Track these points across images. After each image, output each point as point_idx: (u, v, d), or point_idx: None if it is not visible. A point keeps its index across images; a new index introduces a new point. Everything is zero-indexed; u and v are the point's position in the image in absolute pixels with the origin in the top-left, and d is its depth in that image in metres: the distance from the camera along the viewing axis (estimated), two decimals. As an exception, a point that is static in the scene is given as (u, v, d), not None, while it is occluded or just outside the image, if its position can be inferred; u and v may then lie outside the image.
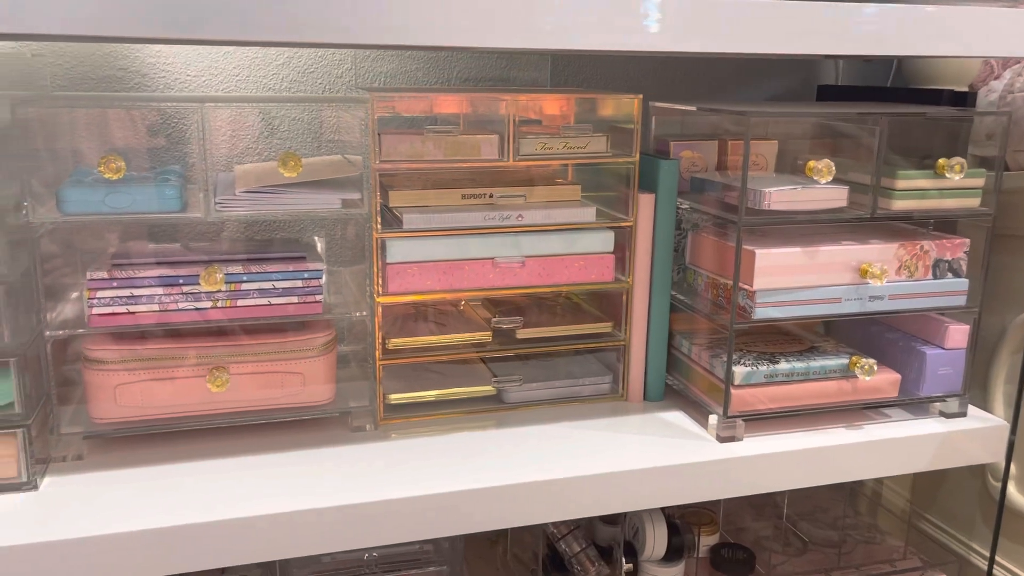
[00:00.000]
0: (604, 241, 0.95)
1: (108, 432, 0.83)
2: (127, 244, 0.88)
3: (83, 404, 0.83)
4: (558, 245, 0.93)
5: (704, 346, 0.96)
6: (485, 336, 0.94)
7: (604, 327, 0.98)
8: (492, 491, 0.79)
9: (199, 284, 0.81)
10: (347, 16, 0.68)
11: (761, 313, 0.88)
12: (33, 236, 0.77)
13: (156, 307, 0.81)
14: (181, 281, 0.82)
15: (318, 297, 0.86)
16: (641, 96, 0.92)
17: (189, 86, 1.04)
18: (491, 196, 0.92)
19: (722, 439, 0.89)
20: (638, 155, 0.92)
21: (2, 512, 0.72)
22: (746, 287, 0.88)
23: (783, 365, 0.91)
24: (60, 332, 0.80)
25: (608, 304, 1.00)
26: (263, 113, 1.05)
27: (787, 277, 0.89)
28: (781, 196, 0.88)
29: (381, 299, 0.88)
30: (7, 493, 0.75)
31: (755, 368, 0.90)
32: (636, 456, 0.85)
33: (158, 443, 0.85)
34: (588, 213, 0.94)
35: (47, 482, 0.77)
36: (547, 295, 1.03)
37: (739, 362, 0.90)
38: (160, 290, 0.81)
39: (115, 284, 0.80)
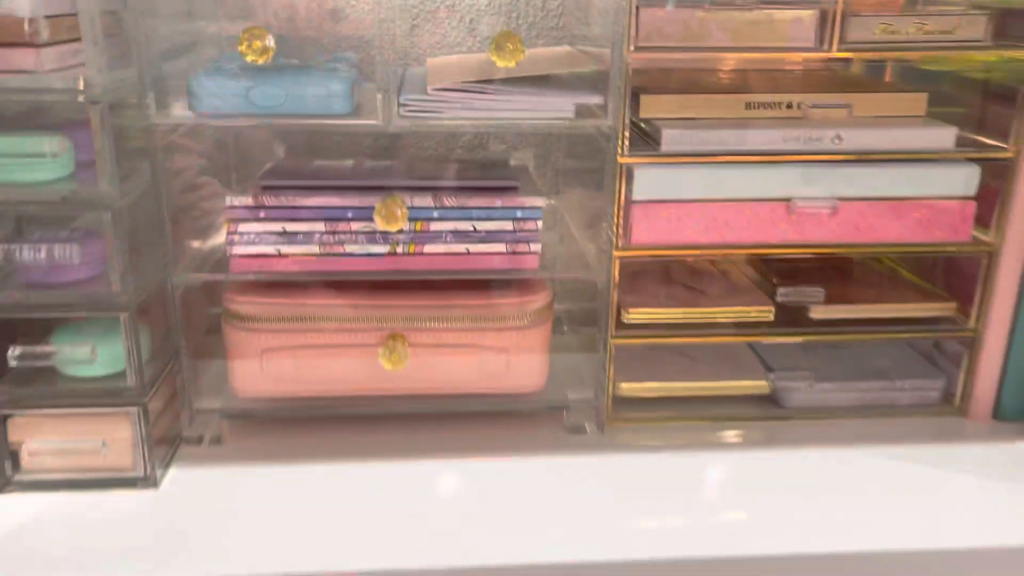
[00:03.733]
0: (965, 180, 0.62)
1: (254, 411, 0.63)
2: (280, 162, 0.67)
3: (225, 375, 0.63)
4: (892, 184, 0.62)
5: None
6: (764, 313, 0.65)
7: (944, 309, 0.67)
8: (768, 562, 0.51)
9: (374, 221, 0.58)
10: None
11: None
12: (156, 144, 0.56)
13: (316, 249, 0.59)
14: (350, 215, 0.59)
15: (534, 247, 0.60)
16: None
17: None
18: (794, 106, 0.62)
19: None
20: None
21: (109, 517, 0.53)
22: None
23: None
24: (192, 277, 0.59)
25: (953, 277, 0.68)
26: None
27: None
28: None
29: (621, 252, 0.61)
30: (120, 489, 0.56)
31: None
32: (993, 516, 0.54)
33: (316, 429, 0.64)
34: (943, 137, 0.61)
35: (172, 476, 0.58)
36: (854, 259, 0.72)
37: None
38: (321, 226, 0.59)
39: (262, 215, 0.58)
